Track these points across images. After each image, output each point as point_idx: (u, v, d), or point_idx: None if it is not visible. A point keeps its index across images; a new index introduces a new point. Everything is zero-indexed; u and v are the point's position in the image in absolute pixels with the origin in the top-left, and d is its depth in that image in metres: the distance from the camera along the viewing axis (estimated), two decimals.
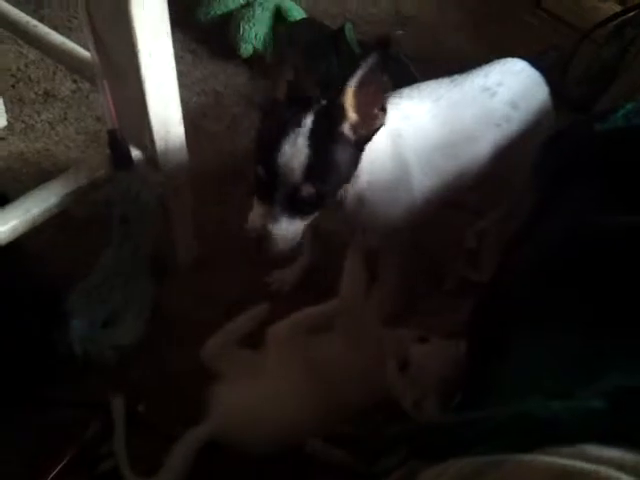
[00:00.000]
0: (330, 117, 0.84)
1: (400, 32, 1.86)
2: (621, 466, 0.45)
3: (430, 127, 1.02)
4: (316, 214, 0.90)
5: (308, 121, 0.83)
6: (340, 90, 0.83)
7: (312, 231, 1.20)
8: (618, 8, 1.75)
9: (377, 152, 0.95)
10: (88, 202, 1.03)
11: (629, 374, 0.57)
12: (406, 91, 1.07)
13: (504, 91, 1.09)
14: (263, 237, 0.87)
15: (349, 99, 0.84)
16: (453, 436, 0.58)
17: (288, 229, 0.87)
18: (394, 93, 1.05)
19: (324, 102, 0.86)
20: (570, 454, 0.48)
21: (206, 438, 0.96)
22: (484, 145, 1.08)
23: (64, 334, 1.00)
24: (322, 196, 0.86)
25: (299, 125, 0.83)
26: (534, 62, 1.18)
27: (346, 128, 0.85)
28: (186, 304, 1.19)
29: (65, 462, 0.97)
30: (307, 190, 0.83)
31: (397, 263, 1.15)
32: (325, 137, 0.84)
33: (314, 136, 0.82)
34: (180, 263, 1.23)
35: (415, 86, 1.08)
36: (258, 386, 0.99)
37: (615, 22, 1.62)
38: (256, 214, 0.87)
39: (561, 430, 0.52)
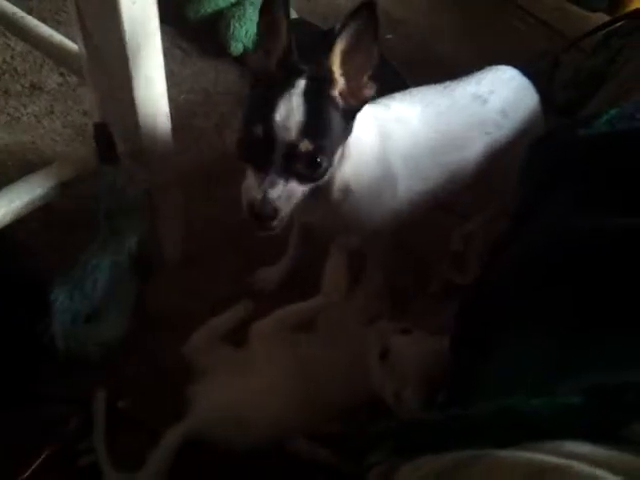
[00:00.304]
0: (321, 80, 0.86)
1: (390, 36, 1.87)
2: (594, 461, 0.46)
3: (420, 132, 1.03)
4: (313, 184, 0.88)
5: (301, 83, 0.84)
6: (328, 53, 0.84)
7: (298, 229, 1.20)
8: (607, 18, 1.78)
9: (364, 146, 0.96)
10: (74, 196, 1.02)
11: (606, 374, 0.58)
12: (398, 95, 1.08)
13: (495, 99, 1.10)
14: (261, 206, 0.84)
15: (336, 62, 0.85)
16: (436, 432, 0.59)
17: (286, 193, 0.85)
18: (387, 96, 1.06)
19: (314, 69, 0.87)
20: (546, 450, 0.49)
21: (189, 435, 0.96)
22: (473, 151, 1.09)
23: (47, 328, 0.99)
24: (319, 155, 0.85)
25: (293, 87, 0.84)
26: (523, 69, 1.20)
27: (335, 92, 0.86)
28: (173, 300, 1.18)
29: (45, 456, 0.97)
30: (305, 146, 0.83)
31: (381, 263, 1.16)
32: (318, 97, 0.85)
33: (308, 96, 0.84)
34: (167, 259, 1.22)
35: (407, 91, 1.10)
36: (241, 382, 0.99)
37: (603, 32, 1.64)
38: (251, 182, 0.85)
39: (540, 426, 0.52)
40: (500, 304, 0.80)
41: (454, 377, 0.84)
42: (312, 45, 1.28)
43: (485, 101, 1.09)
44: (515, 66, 1.19)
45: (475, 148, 1.09)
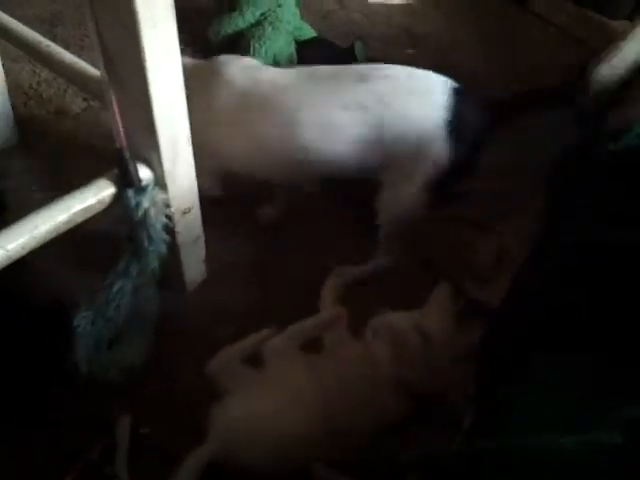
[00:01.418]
0: None
1: (411, 51, 1.86)
2: None
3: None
4: None
5: None
6: None
7: None
8: (629, 26, 1.75)
9: None
10: (97, 220, 1.02)
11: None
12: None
13: (380, 84, 1.12)
14: None
15: None
16: (462, 467, 0.57)
17: None
18: None
19: None
20: None
21: (209, 459, 0.95)
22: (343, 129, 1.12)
23: (70, 354, 1.00)
24: None
25: None
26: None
27: None
28: (194, 323, 1.18)
29: None
30: None
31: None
32: None
33: None
34: (188, 282, 1.22)
35: None
36: (260, 402, 0.99)
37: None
38: None
39: (578, 467, 0.50)
40: (526, 320, 0.78)
41: (480, 400, 0.82)
42: (330, 63, 1.29)
43: (366, 79, 1.12)
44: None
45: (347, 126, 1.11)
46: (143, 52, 0.86)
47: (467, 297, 1.11)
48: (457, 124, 1.10)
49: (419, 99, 1.12)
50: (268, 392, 0.99)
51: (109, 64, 0.93)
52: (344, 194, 1.38)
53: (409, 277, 1.26)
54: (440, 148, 1.11)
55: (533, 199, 1.15)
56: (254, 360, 1.04)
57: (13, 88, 1.53)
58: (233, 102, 1.16)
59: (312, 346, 1.07)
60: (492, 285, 1.14)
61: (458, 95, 1.12)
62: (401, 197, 1.17)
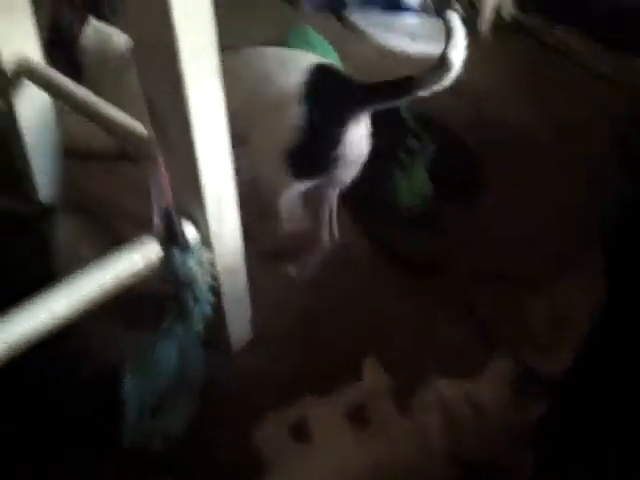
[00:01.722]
0: None
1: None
2: None
3: None
4: None
5: None
6: None
7: None
8: None
9: None
10: (143, 280, 1.01)
11: None
12: None
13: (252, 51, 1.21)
14: None
15: None
16: None
17: None
18: None
19: None
20: None
21: None
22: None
23: (115, 422, 0.97)
24: None
25: None
26: None
27: None
28: (239, 386, 1.14)
29: None
30: None
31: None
32: None
33: None
34: (234, 343, 1.19)
35: None
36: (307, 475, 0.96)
37: None
38: None
39: None
40: (595, 401, 0.73)
41: (539, 474, 0.77)
42: None
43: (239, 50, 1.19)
44: None
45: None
46: (190, 112, 0.87)
47: (525, 366, 1.05)
48: (315, 92, 1.14)
49: (282, 63, 1.18)
50: (316, 466, 0.96)
51: (156, 123, 0.93)
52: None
53: (464, 344, 1.20)
54: (295, 108, 1.13)
55: (591, 256, 1.10)
56: (298, 427, 1.02)
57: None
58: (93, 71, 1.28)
59: (357, 414, 1.04)
60: (551, 353, 1.07)
61: (325, 70, 1.18)
62: (261, 161, 1.18)
